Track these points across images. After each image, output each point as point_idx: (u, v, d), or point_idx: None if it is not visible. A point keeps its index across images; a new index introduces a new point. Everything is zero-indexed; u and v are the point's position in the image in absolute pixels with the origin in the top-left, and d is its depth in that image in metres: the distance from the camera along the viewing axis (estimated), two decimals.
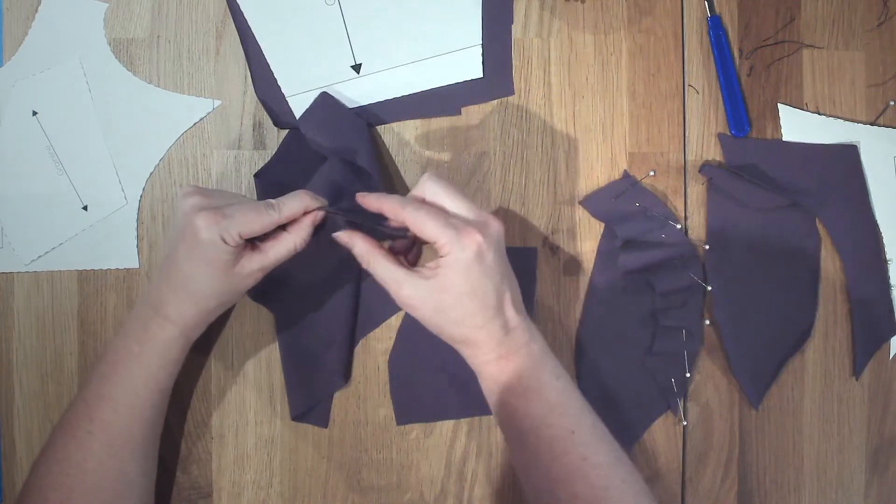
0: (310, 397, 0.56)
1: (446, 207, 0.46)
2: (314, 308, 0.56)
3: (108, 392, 0.47)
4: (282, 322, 0.56)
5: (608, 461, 0.45)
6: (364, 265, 0.47)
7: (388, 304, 0.56)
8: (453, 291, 0.45)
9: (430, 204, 0.47)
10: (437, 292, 0.45)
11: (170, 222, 0.57)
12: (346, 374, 0.56)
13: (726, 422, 0.57)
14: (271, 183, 0.56)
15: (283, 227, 0.48)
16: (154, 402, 0.49)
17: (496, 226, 0.46)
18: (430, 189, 0.47)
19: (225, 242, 0.45)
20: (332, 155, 0.54)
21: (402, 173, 0.57)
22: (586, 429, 0.46)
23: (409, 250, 0.49)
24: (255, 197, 0.56)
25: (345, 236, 0.47)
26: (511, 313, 0.47)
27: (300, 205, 0.47)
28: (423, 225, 0.44)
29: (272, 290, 0.55)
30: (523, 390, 0.46)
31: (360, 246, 0.47)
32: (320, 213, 0.48)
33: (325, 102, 0.56)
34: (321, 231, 0.50)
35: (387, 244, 0.48)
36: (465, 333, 0.46)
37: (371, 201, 0.47)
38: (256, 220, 0.46)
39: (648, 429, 0.56)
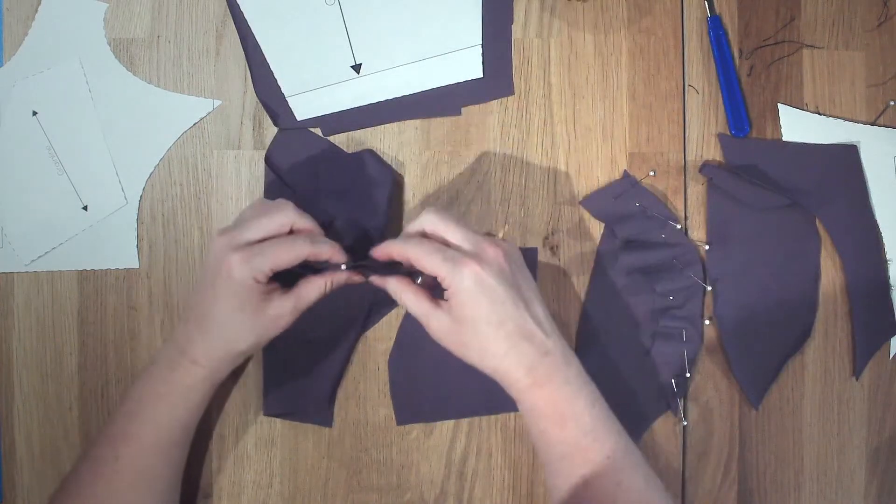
0: (288, 404, 0.56)
1: (447, 239, 0.47)
2: (332, 319, 0.56)
3: (134, 431, 0.48)
4: None
5: (641, 486, 0.46)
6: (398, 300, 0.48)
7: (388, 302, 0.56)
8: (466, 322, 0.46)
9: (431, 236, 0.48)
10: (455, 324, 0.46)
11: (170, 222, 0.57)
12: (329, 418, 0.56)
13: (726, 422, 0.57)
14: (279, 168, 0.57)
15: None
16: (178, 441, 0.49)
17: (494, 251, 0.46)
18: (430, 221, 0.48)
19: (257, 281, 0.46)
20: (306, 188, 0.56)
21: (403, 173, 0.57)
22: (621, 454, 0.47)
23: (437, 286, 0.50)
24: (263, 182, 0.56)
25: (378, 280, 0.49)
26: (540, 337, 0.47)
27: (329, 250, 0.48)
28: (422, 260, 0.46)
29: None
30: (559, 417, 0.46)
31: (392, 284, 0.48)
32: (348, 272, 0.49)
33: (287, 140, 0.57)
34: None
35: (418, 280, 0.49)
36: (492, 363, 0.47)
37: (381, 252, 0.48)
38: (286, 254, 0.46)
39: (648, 429, 0.56)
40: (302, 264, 0.48)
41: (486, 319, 0.45)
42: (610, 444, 0.46)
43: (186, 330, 0.48)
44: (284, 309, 0.47)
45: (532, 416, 0.47)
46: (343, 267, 0.48)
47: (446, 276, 0.45)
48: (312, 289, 0.48)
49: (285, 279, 0.49)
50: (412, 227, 0.49)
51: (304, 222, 0.48)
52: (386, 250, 0.48)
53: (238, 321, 0.47)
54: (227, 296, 0.46)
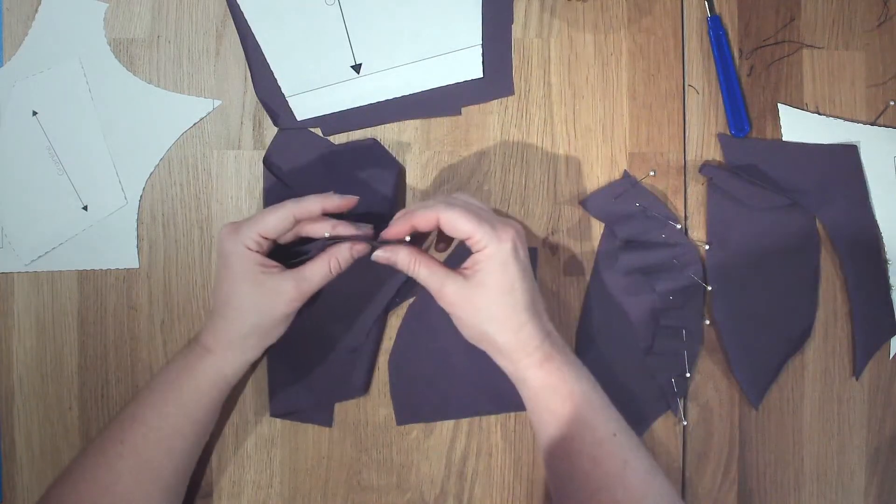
0: (298, 398, 0.55)
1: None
2: (340, 315, 0.55)
3: (141, 415, 0.48)
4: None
5: (646, 468, 0.46)
6: (409, 272, 0.47)
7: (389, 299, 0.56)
8: (491, 287, 0.45)
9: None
10: (475, 289, 0.46)
11: (170, 222, 0.57)
12: (367, 385, 0.56)
13: (726, 422, 0.57)
14: (279, 168, 0.56)
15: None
16: (185, 433, 0.49)
17: (522, 230, 0.48)
18: (455, 198, 0.48)
19: (248, 249, 0.46)
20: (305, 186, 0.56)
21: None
22: (625, 434, 0.47)
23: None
24: (262, 183, 0.56)
25: (385, 253, 0.48)
26: (545, 318, 0.48)
27: (318, 204, 0.47)
28: (458, 221, 0.45)
29: None
30: (569, 394, 0.46)
31: (402, 255, 0.47)
32: (361, 245, 0.48)
33: (287, 139, 0.56)
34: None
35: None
36: (505, 336, 0.46)
37: (401, 226, 0.47)
38: (271, 215, 0.47)
39: (648, 429, 0.56)
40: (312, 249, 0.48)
41: (510, 287, 0.45)
42: (614, 424, 0.47)
43: (205, 322, 0.50)
44: (285, 283, 0.47)
45: (542, 394, 0.47)
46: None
47: (482, 238, 0.45)
48: (316, 268, 0.48)
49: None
50: (426, 205, 0.48)
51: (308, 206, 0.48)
52: (409, 221, 0.46)
53: (238, 293, 0.47)
54: (224, 270, 0.47)
